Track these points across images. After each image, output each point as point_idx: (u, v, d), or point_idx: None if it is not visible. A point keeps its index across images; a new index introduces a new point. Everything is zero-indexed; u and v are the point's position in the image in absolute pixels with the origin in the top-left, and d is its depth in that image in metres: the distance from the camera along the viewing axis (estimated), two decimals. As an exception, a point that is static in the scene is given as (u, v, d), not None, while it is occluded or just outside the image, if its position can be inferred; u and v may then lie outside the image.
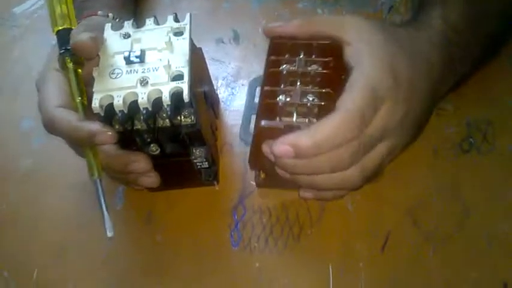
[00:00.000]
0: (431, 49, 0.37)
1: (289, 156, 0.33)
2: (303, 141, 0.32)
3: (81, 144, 0.36)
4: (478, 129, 0.43)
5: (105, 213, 0.35)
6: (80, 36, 0.36)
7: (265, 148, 0.36)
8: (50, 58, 0.39)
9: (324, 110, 0.34)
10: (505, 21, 0.42)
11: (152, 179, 0.38)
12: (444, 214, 0.40)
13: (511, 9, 0.42)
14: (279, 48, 0.38)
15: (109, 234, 0.35)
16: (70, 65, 0.37)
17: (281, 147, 0.33)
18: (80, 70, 0.37)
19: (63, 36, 0.38)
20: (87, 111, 0.36)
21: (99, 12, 0.43)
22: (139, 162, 0.37)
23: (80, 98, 0.36)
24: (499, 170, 0.41)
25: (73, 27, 0.39)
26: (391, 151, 0.36)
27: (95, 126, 0.34)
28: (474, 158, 0.42)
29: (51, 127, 0.36)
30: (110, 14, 0.43)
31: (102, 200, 0.35)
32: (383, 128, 0.34)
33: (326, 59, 0.37)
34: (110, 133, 0.34)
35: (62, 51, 0.37)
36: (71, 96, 0.36)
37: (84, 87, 0.37)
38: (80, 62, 0.37)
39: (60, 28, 0.38)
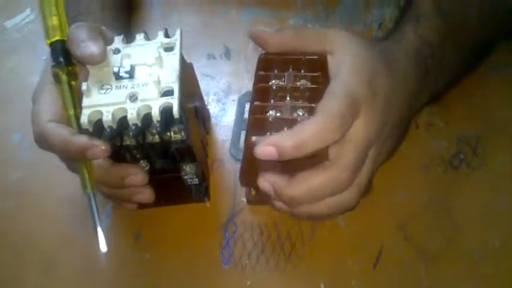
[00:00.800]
0: (407, 62, 0.38)
1: (273, 157, 0.33)
2: (285, 141, 0.32)
3: (74, 159, 0.36)
4: (467, 144, 0.43)
5: (99, 228, 0.34)
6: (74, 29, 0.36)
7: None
8: (44, 72, 0.39)
9: None
10: (483, 36, 0.43)
11: (147, 195, 0.38)
12: (435, 229, 0.40)
13: (489, 25, 0.43)
14: (268, 63, 0.38)
15: (102, 249, 0.34)
16: (63, 77, 0.36)
17: (264, 148, 0.33)
18: (73, 82, 0.37)
19: (56, 48, 0.37)
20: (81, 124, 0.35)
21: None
22: (137, 175, 0.36)
23: (73, 110, 0.36)
24: (488, 185, 0.41)
25: (65, 39, 0.38)
26: (375, 162, 0.37)
27: (86, 140, 0.33)
28: (464, 173, 0.42)
29: (43, 142, 0.36)
30: (103, 28, 0.42)
31: (96, 215, 0.34)
32: (367, 137, 0.34)
33: (315, 74, 0.37)
34: (103, 147, 0.33)
35: (55, 63, 0.37)
36: (64, 109, 0.36)
37: (78, 99, 0.36)
38: (73, 74, 0.37)
39: (53, 40, 0.38)
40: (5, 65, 0.55)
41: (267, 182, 0.35)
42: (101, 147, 0.33)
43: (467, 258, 0.38)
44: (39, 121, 0.36)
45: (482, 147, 0.43)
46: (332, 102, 0.33)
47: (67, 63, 0.37)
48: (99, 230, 0.34)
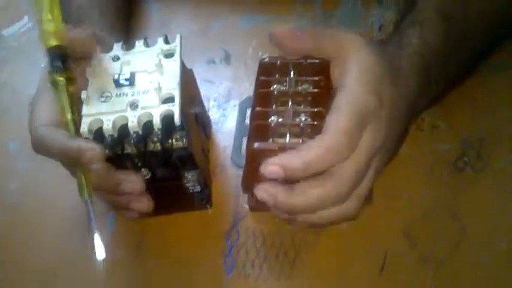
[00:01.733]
0: (411, 69, 0.38)
1: (279, 176, 0.33)
2: (292, 161, 0.32)
3: (72, 164, 0.35)
4: (471, 146, 0.43)
5: (96, 234, 0.34)
6: (76, 30, 0.36)
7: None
8: (42, 79, 0.39)
9: (317, 129, 0.34)
10: (486, 41, 0.43)
11: (144, 204, 0.37)
12: (441, 234, 0.39)
13: (492, 30, 0.42)
14: (269, 68, 0.38)
15: (99, 256, 0.33)
16: (60, 82, 0.36)
17: (270, 167, 0.33)
18: (71, 87, 0.36)
19: (53, 54, 0.37)
20: (78, 128, 0.35)
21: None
22: (132, 183, 0.36)
23: (70, 114, 0.35)
24: (494, 188, 0.41)
25: (63, 45, 0.38)
26: (377, 171, 0.36)
27: (82, 143, 0.33)
28: (469, 176, 0.41)
29: (39, 147, 0.35)
30: (102, 33, 0.42)
31: (93, 221, 0.34)
32: (371, 149, 0.34)
33: (317, 78, 0.36)
34: (98, 150, 0.32)
35: (52, 68, 0.36)
36: (61, 114, 0.35)
37: (76, 103, 0.36)
38: (70, 79, 0.36)
39: (50, 45, 0.37)
40: (2, 74, 0.55)
41: (265, 192, 0.34)
42: (96, 150, 0.32)
43: (474, 262, 0.38)
44: (36, 125, 0.35)
45: (486, 149, 0.42)
46: (340, 120, 0.32)
47: (64, 68, 0.36)
48: (96, 236, 0.33)
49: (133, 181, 0.36)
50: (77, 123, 0.34)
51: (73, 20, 0.44)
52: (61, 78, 0.36)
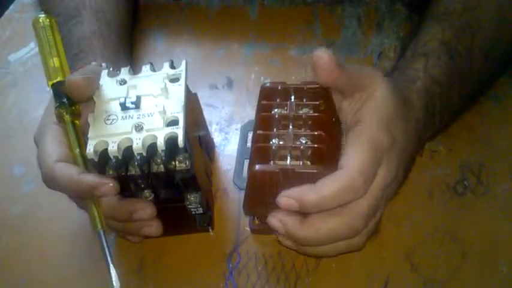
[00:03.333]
0: (419, 104, 0.38)
1: (294, 208, 0.34)
2: (308, 196, 0.33)
3: (83, 197, 0.36)
4: (471, 171, 0.43)
5: (111, 265, 0.34)
6: (73, 76, 0.36)
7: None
8: (47, 112, 0.39)
9: (317, 152, 0.35)
10: (490, 69, 0.43)
11: (154, 228, 0.38)
12: (442, 258, 0.39)
13: (496, 57, 0.43)
14: (270, 92, 0.39)
15: (116, 286, 0.34)
16: (67, 117, 0.37)
17: (286, 200, 0.34)
18: (77, 122, 0.37)
19: (58, 89, 0.37)
20: (87, 162, 0.36)
21: (93, 63, 0.43)
22: (145, 209, 0.36)
23: (78, 149, 0.36)
24: (494, 212, 0.41)
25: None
26: (386, 204, 0.37)
27: (95, 178, 0.34)
28: (469, 200, 0.42)
29: (51, 182, 0.36)
30: (104, 64, 0.43)
31: (107, 252, 0.34)
32: (384, 186, 0.34)
33: (317, 102, 0.37)
34: (111, 184, 0.34)
35: (58, 104, 0.37)
36: (70, 149, 0.36)
37: (83, 138, 0.36)
38: (77, 113, 0.37)
39: (55, 81, 0.38)
40: (8, 99, 0.55)
41: (278, 221, 0.35)
42: (109, 184, 0.33)
43: (475, 285, 0.38)
44: (47, 162, 0.36)
45: (486, 174, 0.43)
46: (356, 159, 0.33)
47: (69, 103, 0.37)
48: (112, 267, 0.34)
49: (145, 208, 0.36)
50: (85, 157, 0.35)
51: (75, 51, 0.45)
52: (67, 115, 0.37)
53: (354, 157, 0.33)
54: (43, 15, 0.40)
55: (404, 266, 0.39)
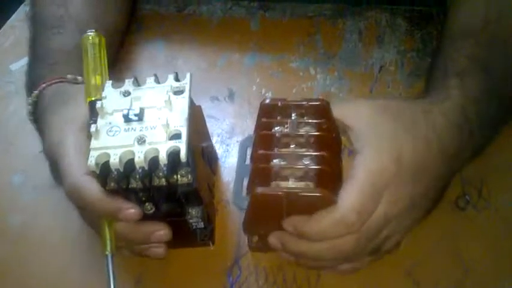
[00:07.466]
0: (446, 123, 0.36)
1: (291, 233, 0.35)
2: (305, 228, 0.34)
3: (102, 217, 0.36)
4: (472, 186, 0.43)
5: None
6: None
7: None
8: (66, 121, 0.38)
9: (321, 173, 0.34)
10: None
11: (162, 249, 0.38)
12: (444, 273, 0.39)
13: None
14: (270, 109, 0.37)
15: None
16: None
17: (286, 226, 0.35)
18: None
19: (94, 106, 0.36)
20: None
21: (68, 76, 0.42)
22: (162, 231, 0.37)
23: None
24: (496, 227, 0.41)
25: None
26: (398, 231, 0.37)
27: (121, 201, 0.34)
28: (471, 215, 0.42)
29: (75, 195, 0.36)
30: (79, 78, 0.42)
31: (111, 277, 0.34)
32: (385, 214, 0.34)
33: (319, 121, 0.36)
34: (136, 211, 0.34)
35: (92, 121, 0.36)
36: None
37: None
38: None
39: (93, 99, 0.38)
40: (9, 107, 0.55)
41: (277, 240, 0.37)
42: (134, 210, 0.34)
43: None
44: (74, 174, 0.35)
45: (487, 188, 0.43)
46: (353, 195, 0.33)
47: None
48: None
49: (162, 230, 0.37)
50: None
51: (51, 61, 0.44)
52: None
53: (351, 191, 0.33)
54: (93, 33, 0.40)
55: (406, 282, 0.39)
